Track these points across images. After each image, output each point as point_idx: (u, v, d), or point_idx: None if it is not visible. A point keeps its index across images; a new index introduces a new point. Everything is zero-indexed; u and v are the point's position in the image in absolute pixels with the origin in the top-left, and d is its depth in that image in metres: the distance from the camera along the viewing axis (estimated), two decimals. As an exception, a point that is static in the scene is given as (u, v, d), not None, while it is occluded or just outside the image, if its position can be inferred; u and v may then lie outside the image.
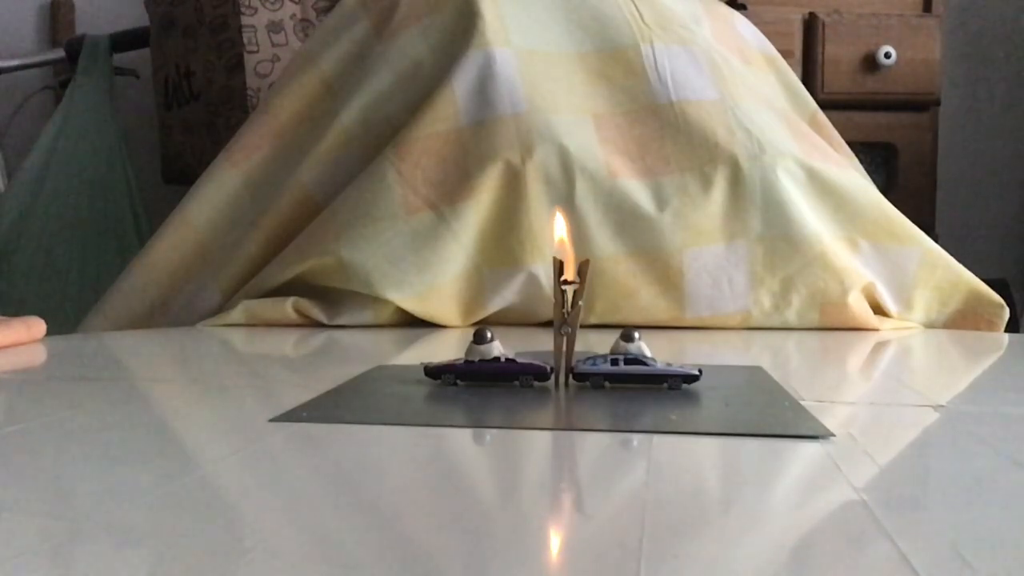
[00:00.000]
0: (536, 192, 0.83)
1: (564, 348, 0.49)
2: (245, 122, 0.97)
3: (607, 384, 0.49)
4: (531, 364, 0.49)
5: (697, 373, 0.49)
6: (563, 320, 0.49)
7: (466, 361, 0.49)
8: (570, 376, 0.49)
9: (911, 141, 1.56)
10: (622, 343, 0.50)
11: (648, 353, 0.50)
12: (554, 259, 0.49)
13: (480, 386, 0.49)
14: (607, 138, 0.86)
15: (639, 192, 0.84)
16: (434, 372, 0.50)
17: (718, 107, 0.87)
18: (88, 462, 0.35)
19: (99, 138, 1.63)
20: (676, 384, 0.49)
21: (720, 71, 0.90)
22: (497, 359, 0.49)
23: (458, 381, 0.49)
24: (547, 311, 0.83)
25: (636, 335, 0.50)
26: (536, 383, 0.49)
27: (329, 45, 0.94)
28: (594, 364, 0.49)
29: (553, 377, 0.49)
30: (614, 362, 0.49)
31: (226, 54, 1.43)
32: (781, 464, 0.36)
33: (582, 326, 0.85)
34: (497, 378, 0.49)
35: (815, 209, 0.84)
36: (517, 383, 0.49)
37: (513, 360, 0.49)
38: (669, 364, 0.49)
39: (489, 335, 0.49)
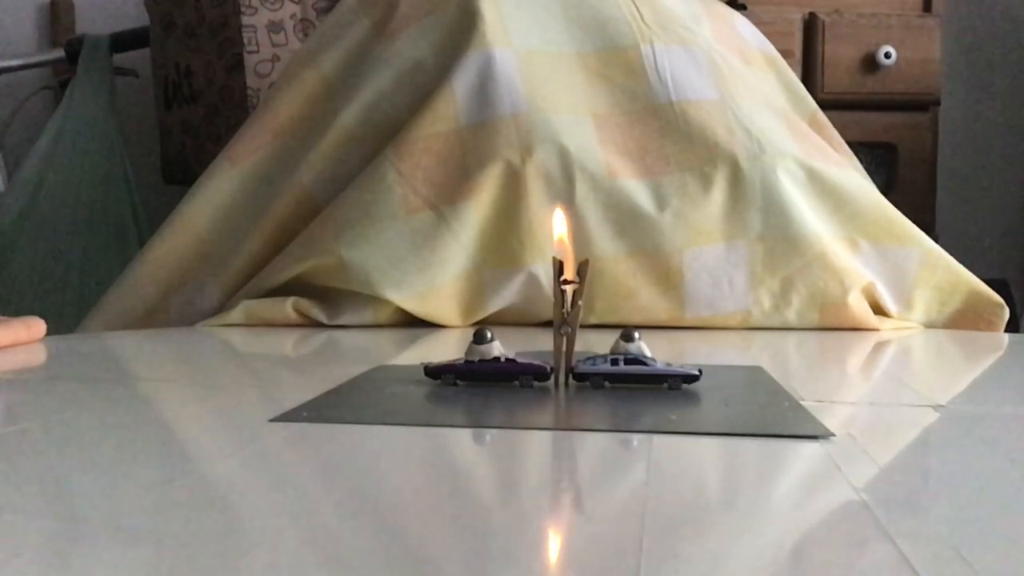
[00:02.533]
0: (536, 192, 0.83)
1: (564, 348, 0.49)
2: (245, 122, 0.97)
3: (607, 384, 0.49)
4: (531, 364, 0.49)
5: (697, 373, 0.49)
6: (563, 320, 0.49)
7: (466, 361, 0.49)
8: (570, 376, 0.49)
9: (911, 141, 1.56)
10: (622, 343, 0.50)
11: (648, 353, 0.50)
12: (554, 259, 0.49)
13: (480, 386, 0.49)
14: (607, 138, 0.86)
15: (639, 192, 0.84)
16: (434, 372, 0.50)
17: (718, 107, 0.87)
18: (88, 462, 0.35)
19: (99, 138, 1.62)
20: (676, 384, 0.49)
21: (720, 71, 0.90)
22: (497, 359, 0.49)
23: (458, 381, 0.49)
24: (547, 311, 0.83)
25: (636, 335, 0.50)
26: (536, 383, 0.49)
27: (329, 45, 0.94)
28: (594, 364, 0.49)
29: (553, 377, 0.49)
30: (614, 362, 0.49)
31: (226, 54, 1.43)
32: (781, 464, 0.36)
33: (582, 326, 0.85)
34: (497, 378, 0.49)
35: (815, 209, 0.84)
36: (517, 383, 0.49)
37: (513, 360, 0.49)
38: (669, 364, 0.49)
39: (489, 335, 0.49)
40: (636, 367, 0.49)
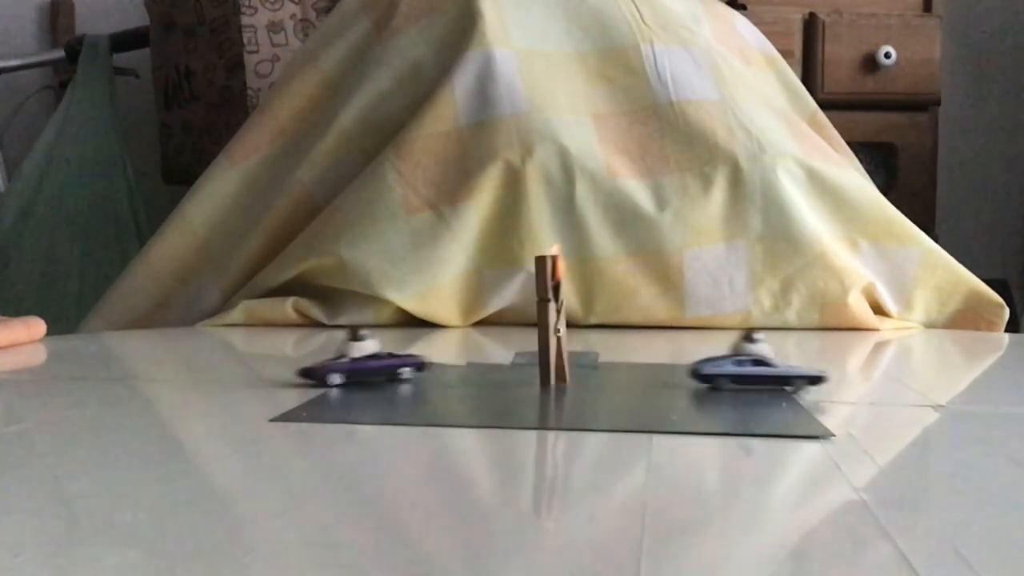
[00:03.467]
0: (536, 192, 0.83)
1: (557, 348, 0.48)
2: (245, 122, 0.97)
3: (729, 385, 0.47)
4: (410, 356, 0.50)
5: (823, 374, 0.47)
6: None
7: (353, 359, 0.49)
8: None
9: (911, 141, 1.56)
10: (745, 344, 0.48)
11: (771, 354, 0.48)
12: (537, 258, 0.48)
13: (482, 387, 0.49)
14: (607, 138, 0.86)
15: (639, 192, 0.84)
16: (318, 374, 0.49)
17: (718, 107, 0.87)
18: (88, 462, 0.35)
19: (99, 138, 1.62)
20: (801, 386, 0.47)
21: (720, 71, 0.90)
22: (376, 355, 0.49)
23: (341, 381, 0.49)
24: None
25: (759, 336, 0.48)
26: (416, 374, 0.50)
27: (329, 45, 0.94)
28: (718, 365, 0.48)
29: (550, 377, 0.49)
30: (738, 363, 0.47)
31: (226, 54, 1.43)
32: (781, 464, 0.36)
33: (583, 326, 0.85)
34: (382, 372, 0.50)
35: (815, 209, 0.84)
36: (391, 378, 0.49)
37: (392, 354, 0.50)
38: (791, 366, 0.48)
39: (365, 332, 0.50)
40: (762, 368, 0.47)
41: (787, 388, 0.47)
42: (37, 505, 0.30)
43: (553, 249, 0.52)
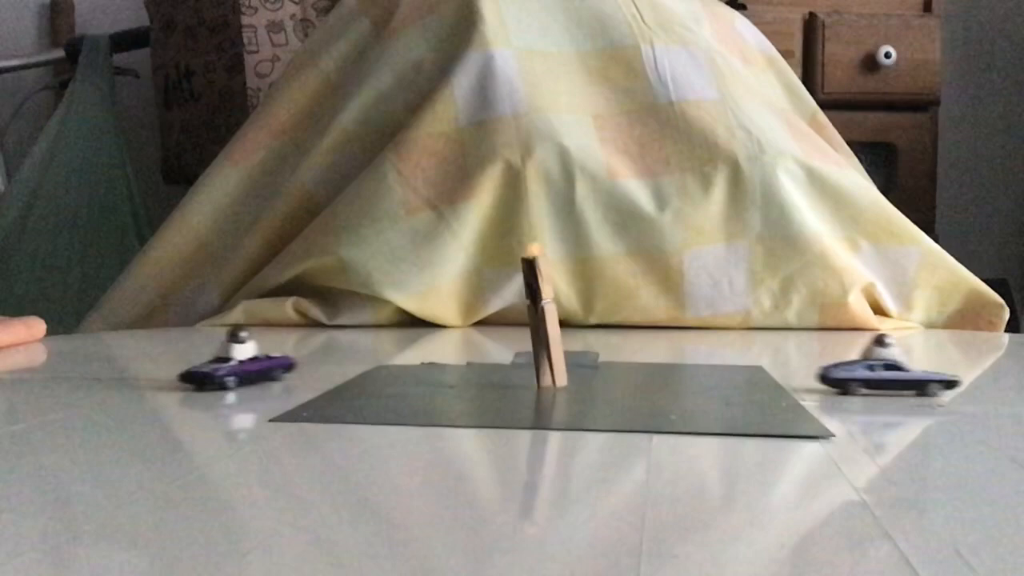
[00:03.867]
0: (536, 192, 0.83)
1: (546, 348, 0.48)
2: (245, 122, 0.97)
3: (862, 390, 0.47)
4: (283, 358, 0.52)
5: (957, 378, 0.47)
6: (536, 324, 0.48)
7: (240, 361, 0.50)
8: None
9: (911, 141, 1.56)
10: (876, 348, 0.48)
11: (903, 358, 0.47)
12: (522, 259, 0.48)
13: (482, 388, 0.49)
14: (607, 138, 0.86)
15: (639, 192, 0.84)
16: (214, 377, 0.48)
17: (718, 107, 0.87)
18: (88, 462, 0.35)
19: (99, 138, 1.62)
20: (935, 391, 0.47)
21: (720, 71, 0.90)
22: (256, 357, 0.50)
23: (235, 384, 0.49)
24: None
25: (890, 339, 0.48)
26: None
27: (329, 45, 0.94)
28: (849, 370, 0.47)
29: (541, 379, 0.49)
30: (870, 367, 0.47)
31: (226, 54, 1.43)
32: (781, 464, 0.36)
33: (582, 326, 0.85)
34: (264, 373, 0.51)
35: (815, 209, 0.84)
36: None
37: (269, 356, 0.51)
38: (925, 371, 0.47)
39: (244, 334, 0.50)
40: (895, 373, 0.47)
41: (921, 393, 0.47)
42: (37, 505, 0.30)
43: (532, 249, 0.51)
